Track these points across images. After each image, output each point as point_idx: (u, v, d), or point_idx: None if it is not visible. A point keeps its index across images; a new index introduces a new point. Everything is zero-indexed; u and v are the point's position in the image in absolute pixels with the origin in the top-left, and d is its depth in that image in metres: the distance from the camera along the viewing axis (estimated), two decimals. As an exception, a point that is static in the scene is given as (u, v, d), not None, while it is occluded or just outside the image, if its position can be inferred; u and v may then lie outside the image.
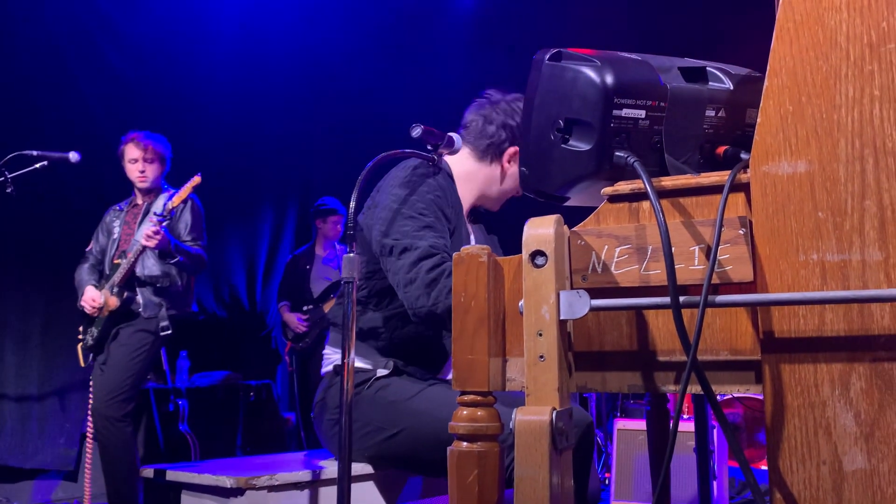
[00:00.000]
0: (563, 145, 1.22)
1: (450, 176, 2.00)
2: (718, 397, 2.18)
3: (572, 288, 1.15)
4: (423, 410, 1.76)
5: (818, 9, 1.07)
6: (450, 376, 2.02)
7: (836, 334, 1.01)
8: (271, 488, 1.77)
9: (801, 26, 1.08)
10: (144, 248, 3.29)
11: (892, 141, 1.01)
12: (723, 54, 1.54)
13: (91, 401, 3.31)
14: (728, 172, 1.10)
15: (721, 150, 1.24)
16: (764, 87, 1.09)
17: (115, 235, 3.53)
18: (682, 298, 1.05)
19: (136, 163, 3.52)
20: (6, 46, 4.48)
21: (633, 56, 1.25)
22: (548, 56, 1.26)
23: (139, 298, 3.38)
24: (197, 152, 4.31)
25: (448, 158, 1.99)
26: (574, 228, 1.19)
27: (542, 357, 1.08)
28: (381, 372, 1.86)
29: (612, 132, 1.17)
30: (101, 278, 3.50)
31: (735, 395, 3.90)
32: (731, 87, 1.26)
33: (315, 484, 1.86)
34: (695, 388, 1.07)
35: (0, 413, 4.31)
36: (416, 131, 1.81)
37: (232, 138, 5.43)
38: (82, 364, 3.46)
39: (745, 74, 1.30)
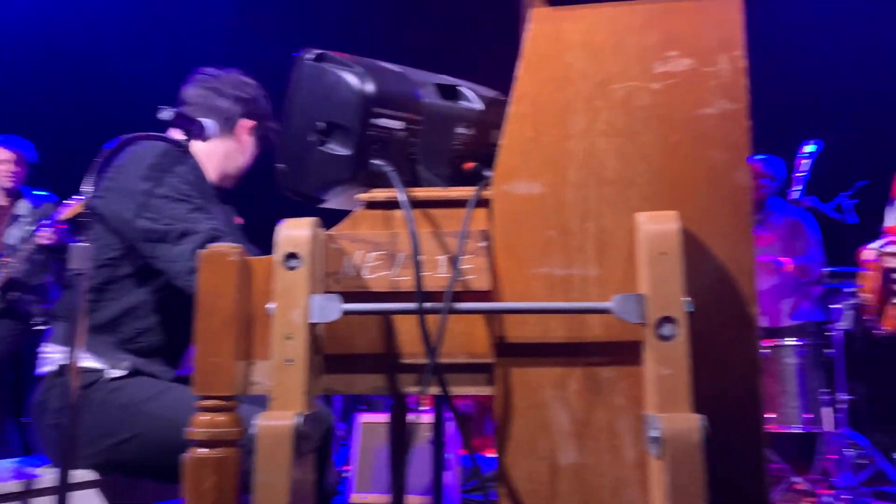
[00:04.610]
0: (321, 147, 1.23)
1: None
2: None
3: (325, 291, 1.16)
4: (161, 415, 1.66)
5: (558, 45, 1.19)
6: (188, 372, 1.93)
7: (557, 341, 1.13)
8: (-29, 503, 1.56)
9: (543, 59, 1.19)
10: None
11: (611, 172, 1.15)
12: (481, 74, 1.62)
13: None
14: (475, 188, 1.18)
15: (468, 166, 1.32)
16: (508, 112, 1.18)
17: None
18: (427, 305, 1.10)
19: None
20: None
21: (393, 67, 1.28)
22: (311, 56, 1.26)
23: None
24: None
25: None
26: (329, 231, 1.19)
27: (290, 360, 1.07)
28: (115, 373, 1.72)
29: (370, 140, 1.20)
30: None
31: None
32: (481, 108, 1.35)
33: (28, 494, 1.67)
34: (434, 390, 1.13)
35: None
36: (167, 114, 1.69)
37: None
38: None
39: (494, 97, 1.39)
